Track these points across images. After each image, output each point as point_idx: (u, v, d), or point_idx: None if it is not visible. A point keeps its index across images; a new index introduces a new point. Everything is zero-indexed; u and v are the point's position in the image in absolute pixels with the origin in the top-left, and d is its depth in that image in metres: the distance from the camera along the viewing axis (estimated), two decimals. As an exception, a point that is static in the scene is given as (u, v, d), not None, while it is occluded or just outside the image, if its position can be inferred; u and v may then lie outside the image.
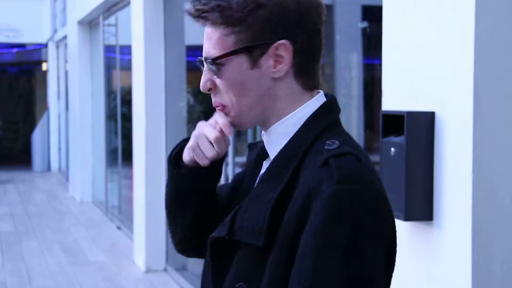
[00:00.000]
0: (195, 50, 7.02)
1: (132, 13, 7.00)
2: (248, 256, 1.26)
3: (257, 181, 1.35)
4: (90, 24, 10.97)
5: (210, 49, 1.28)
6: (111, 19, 9.44)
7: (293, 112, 1.30)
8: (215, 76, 1.29)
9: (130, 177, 8.22)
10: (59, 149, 15.09)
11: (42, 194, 12.14)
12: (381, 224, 1.19)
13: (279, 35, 1.25)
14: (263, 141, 1.37)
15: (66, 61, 13.39)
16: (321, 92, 1.33)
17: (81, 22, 10.98)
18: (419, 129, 2.33)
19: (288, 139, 1.29)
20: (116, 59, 9.28)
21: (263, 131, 1.36)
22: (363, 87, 5.99)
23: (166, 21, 6.57)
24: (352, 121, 5.90)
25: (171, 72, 6.60)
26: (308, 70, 1.30)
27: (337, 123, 1.31)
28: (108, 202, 9.91)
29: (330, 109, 1.31)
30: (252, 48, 1.26)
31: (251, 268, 1.26)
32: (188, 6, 1.29)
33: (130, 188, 8.05)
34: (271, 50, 1.26)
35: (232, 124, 1.32)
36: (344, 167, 1.18)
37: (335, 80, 6.18)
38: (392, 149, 2.39)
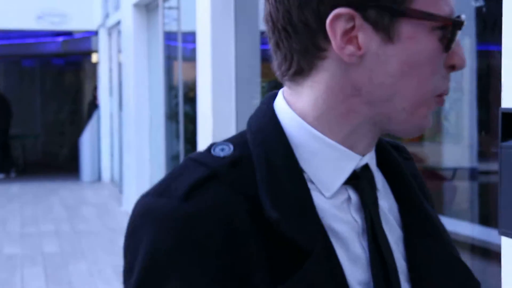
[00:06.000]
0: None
1: (197, -6, 7.10)
2: None
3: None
4: (147, 7, 11.18)
5: None
6: (172, 2, 9.60)
7: None
8: None
9: (194, 189, 8.31)
10: (111, 155, 15.41)
11: (92, 208, 12.44)
12: None
13: None
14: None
15: (119, 51, 13.68)
16: None
17: (137, 5, 11.21)
18: (547, 131, 2.28)
19: None
20: (178, 48, 9.42)
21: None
22: (476, 79, 5.89)
23: (237, 3, 6.62)
24: (463, 120, 5.81)
25: (243, 63, 6.65)
26: None
27: None
28: (169, 218, 10.05)
29: None
30: None
31: None
32: None
33: (195, 201, 8.14)
34: None
35: None
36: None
37: (442, 71, 6.09)
38: (514, 156, 2.35)
